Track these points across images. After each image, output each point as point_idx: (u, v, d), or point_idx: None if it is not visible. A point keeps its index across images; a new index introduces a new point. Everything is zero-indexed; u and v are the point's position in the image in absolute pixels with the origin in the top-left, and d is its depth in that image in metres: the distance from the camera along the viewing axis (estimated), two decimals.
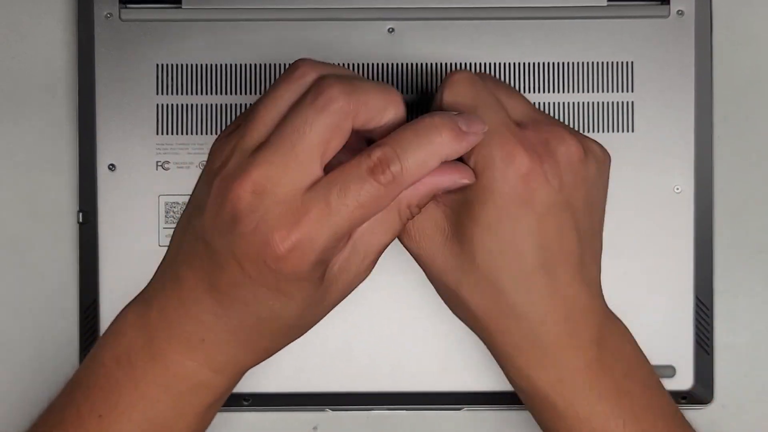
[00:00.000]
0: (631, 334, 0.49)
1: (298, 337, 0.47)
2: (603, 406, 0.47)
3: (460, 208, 0.46)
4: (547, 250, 0.46)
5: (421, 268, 0.49)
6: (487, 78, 0.48)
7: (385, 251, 0.52)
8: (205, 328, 0.44)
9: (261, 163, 0.41)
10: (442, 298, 0.49)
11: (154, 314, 0.45)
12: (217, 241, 0.42)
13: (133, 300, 0.47)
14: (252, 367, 0.47)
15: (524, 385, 0.48)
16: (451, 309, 0.49)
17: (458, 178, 0.44)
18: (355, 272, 0.45)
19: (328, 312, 0.47)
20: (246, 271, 0.42)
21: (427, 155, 0.42)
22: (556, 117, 0.55)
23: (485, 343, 0.48)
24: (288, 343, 0.47)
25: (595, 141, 0.48)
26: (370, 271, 0.46)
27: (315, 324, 0.47)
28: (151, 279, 0.47)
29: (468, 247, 0.46)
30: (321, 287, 0.44)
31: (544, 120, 0.47)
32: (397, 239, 0.47)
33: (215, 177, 0.43)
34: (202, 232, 0.43)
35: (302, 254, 0.41)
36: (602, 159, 0.48)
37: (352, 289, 0.46)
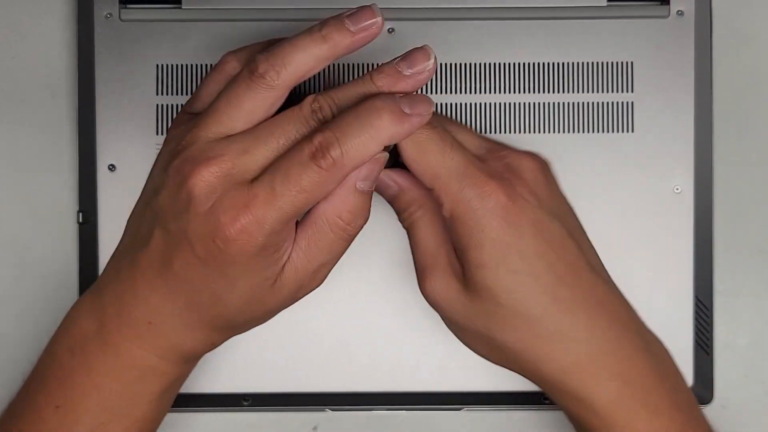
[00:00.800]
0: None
1: (241, 332, 0.47)
2: (661, 421, 0.46)
3: (459, 259, 0.46)
4: (557, 264, 0.46)
5: (448, 326, 0.49)
6: (436, 115, 0.46)
7: (385, 252, 0.52)
8: (152, 310, 0.45)
9: (224, 150, 0.42)
10: (472, 348, 0.49)
11: (107, 300, 0.46)
12: (171, 222, 0.43)
13: (87, 289, 0.48)
14: (197, 357, 0.48)
15: (581, 409, 0.47)
16: (486, 357, 0.49)
17: (373, 163, 0.44)
18: (290, 291, 0.45)
19: (272, 315, 0.47)
20: (196, 252, 0.43)
21: (367, 139, 0.42)
22: (556, 117, 0.55)
23: (530, 377, 0.48)
24: (227, 338, 0.48)
25: (528, 151, 0.48)
26: (311, 289, 0.46)
27: (257, 323, 0.47)
28: (105, 267, 0.47)
29: (486, 293, 0.46)
30: (266, 286, 0.44)
31: (495, 146, 0.48)
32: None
33: (173, 159, 0.43)
34: (159, 214, 0.44)
35: (249, 236, 0.42)
36: (548, 164, 0.48)
37: (298, 299, 0.46)
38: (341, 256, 0.46)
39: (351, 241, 0.45)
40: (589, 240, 0.49)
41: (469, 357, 0.55)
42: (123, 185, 0.55)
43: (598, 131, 0.56)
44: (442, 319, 0.49)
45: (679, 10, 0.56)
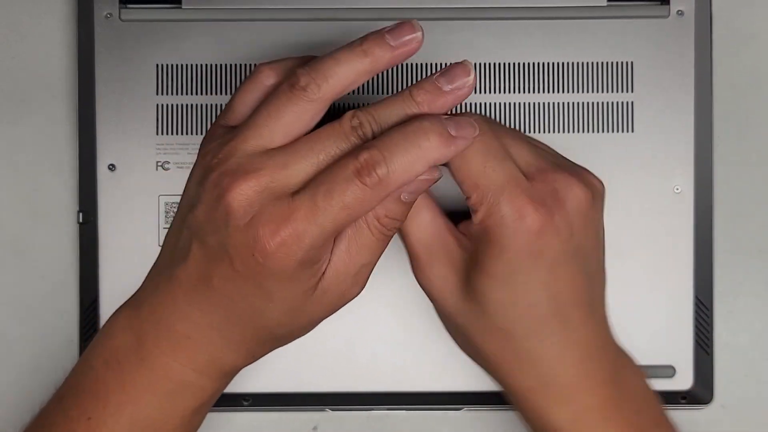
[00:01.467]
0: (640, 369, 0.50)
1: (284, 343, 0.48)
2: None
3: (473, 257, 0.47)
4: (560, 299, 0.47)
5: (433, 304, 0.50)
6: (492, 124, 0.48)
7: (385, 252, 0.52)
8: (191, 324, 0.45)
9: (263, 164, 0.42)
10: (451, 335, 0.51)
11: (145, 314, 0.46)
12: (210, 236, 0.43)
13: (124, 303, 0.47)
14: (235, 371, 0.48)
15: (539, 425, 0.49)
16: (459, 346, 0.50)
17: (417, 181, 0.44)
18: (337, 294, 0.46)
19: (314, 325, 0.47)
20: (235, 266, 0.43)
21: (414, 159, 0.42)
22: (556, 117, 0.55)
23: (497, 382, 0.49)
24: (270, 350, 0.48)
25: (591, 173, 0.49)
26: (355, 291, 0.46)
27: (300, 334, 0.47)
28: (143, 283, 0.47)
29: (480, 298, 0.47)
30: (306, 296, 0.44)
31: (549, 167, 0.47)
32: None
33: (211, 173, 0.43)
34: (196, 229, 0.44)
35: (288, 250, 0.42)
36: (602, 193, 0.49)
37: (340, 306, 0.46)
38: (380, 256, 0.46)
39: (389, 241, 0.46)
40: (603, 276, 0.50)
41: (468, 357, 0.55)
42: (123, 185, 0.55)
43: (598, 131, 0.56)
44: (433, 305, 0.50)
45: (679, 10, 0.56)
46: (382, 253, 0.46)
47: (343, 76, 0.43)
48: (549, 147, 0.51)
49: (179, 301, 0.45)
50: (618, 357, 0.49)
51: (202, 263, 0.44)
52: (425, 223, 0.49)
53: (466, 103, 0.55)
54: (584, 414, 0.48)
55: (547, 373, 0.47)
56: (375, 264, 0.46)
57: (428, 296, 0.50)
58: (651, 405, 0.50)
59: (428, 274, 0.49)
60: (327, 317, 0.47)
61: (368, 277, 0.46)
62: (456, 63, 0.44)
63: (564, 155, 0.54)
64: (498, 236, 0.45)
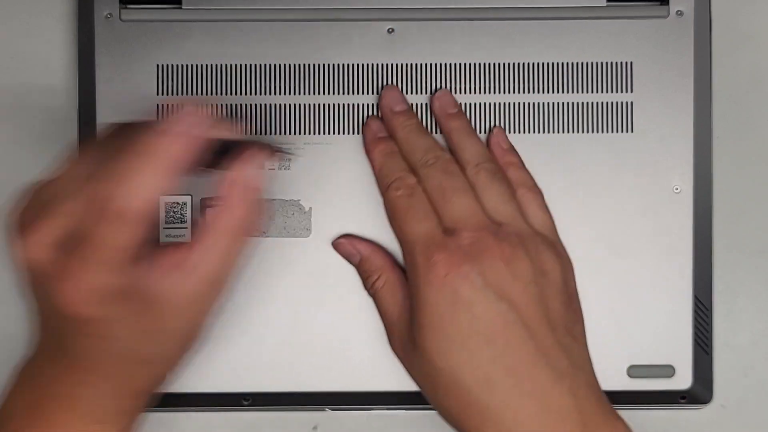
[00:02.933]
0: (628, 429, 0.49)
1: (173, 368, 0.49)
2: None
3: (410, 316, 0.50)
4: (495, 344, 0.48)
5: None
6: (430, 176, 0.52)
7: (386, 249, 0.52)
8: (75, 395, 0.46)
9: None
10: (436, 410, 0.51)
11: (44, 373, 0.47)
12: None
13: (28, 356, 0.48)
14: (146, 394, 0.48)
15: None
16: (441, 416, 0.50)
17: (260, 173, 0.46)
18: (211, 300, 0.46)
19: (189, 336, 0.48)
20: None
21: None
22: (556, 117, 0.55)
23: None
24: (167, 372, 0.49)
25: (553, 248, 0.52)
26: (225, 294, 0.47)
27: (183, 352, 0.48)
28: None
29: (425, 353, 0.49)
30: (138, 318, 0.45)
31: (473, 224, 0.50)
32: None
33: None
34: None
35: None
36: (547, 260, 0.50)
37: (203, 315, 0.47)
38: (242, 256, 0.47)
39: (251, 240, 0.48)
40: (569, 342, 0.50)
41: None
42: None
43: (597, 131, 0.56)
44: None
45: (678, 10, 0.56)
46: (243, 254, 0.47)
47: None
48: (539, 201, 0.53)
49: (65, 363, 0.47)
50: (593, 418, 0.48)
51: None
52: (395, 298, 0.52)
53: (459, 104, 0.55)
54: None
55: (509, 428, 0.47)
56: (238, 265, 0.47)
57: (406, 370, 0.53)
58: None
59: (395, 346, 0.53)
60: (195, 327, 0.48)
61: (230, 280, 0.47)
62: None
63: (563, 155, 0.54)
64: (416, 285, 0.49)
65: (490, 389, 0.47)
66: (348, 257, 0.54)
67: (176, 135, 0.43)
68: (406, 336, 0.51)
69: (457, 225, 0.50)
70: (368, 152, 0.54)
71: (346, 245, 0.54)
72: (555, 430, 0.47)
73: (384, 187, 0.53)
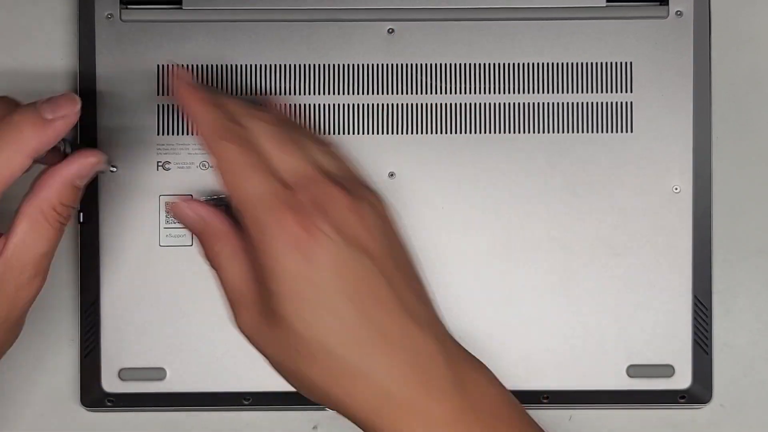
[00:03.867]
0: (487, 370, 0.48)
1: None
2: None
3: (262, 290, 0.46)
4: (359, 300, 0.46)
5: (270, 364, 0.48)
6: (256, 128, 0.48)
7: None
8: None
9: None
10: (297, 389, 0.48)
11: None
12: None
13: None
14: None
15: None
16: (307, 396, 0.48)
17: (85, 163, 0.47)
18: (16, 286, 0.47)
19: (12, 324, 0.48)
20: None
21: (12, 153, 0.45)
22: (555, 117, 0.55)
23: (343, 414, 0.47)
24: None
25: (367, 187, 0.49)
26: (37, 284, 0.48)
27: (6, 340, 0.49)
28: None
29: (287, 324, 0.45)
30: None
31: (309, 174, 0.47)
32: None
33: None
34: None
35: None
36: (376, 203, 0.48)
37: (23, 303, 0.48)
38: (57, 245, 0.48)
39: (64, 229, 0.48)
40: (421, 288, 0.49)
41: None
42: (123, 185, 0.55)
43: (596, 131, 0.56)
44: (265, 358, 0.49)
45: (678, 11, 0.56)
46: (58, 243, 0.48)
47: None
48: (332, 150, 0.51)
49: None
50: (462, 361, 0.48)
51: None
52: (239, 267, 0.48)
53: (459, 104, 0.55)
54: (439, 427, 0.45)
55: (383, 386, 0.45)
56: (53, 254, 0.48)
57: (254, 347, 0.48)
58: (509, 407, 0.48)
59: (243, 321, 0.48)
60: (17, 317, 0.48)
61: (48, 268, 0.48)
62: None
63: (563, 155, 0.54)
64: (267, 251, 0.45)
65: (359, 349, 0.45)
66: (185, 221, 0.50)
67: (42, 121, 0.45)
68: (258, 308, 0.47)
69: (294, 178, 0.47)
70: (183, 101, 0.49)
71: (184, 209, 0.50)
72: (427, 378, 0.46)
73: (210, 140, 0.47)
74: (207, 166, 0.55)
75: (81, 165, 0.47)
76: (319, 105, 0.55)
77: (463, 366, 0.47)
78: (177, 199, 0.50)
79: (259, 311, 0.47)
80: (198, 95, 0.48)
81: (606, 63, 0.56)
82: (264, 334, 0.47)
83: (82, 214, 0.55)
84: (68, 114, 0.46)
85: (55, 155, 0.48)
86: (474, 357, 0.49)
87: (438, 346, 0.47)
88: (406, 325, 0.46)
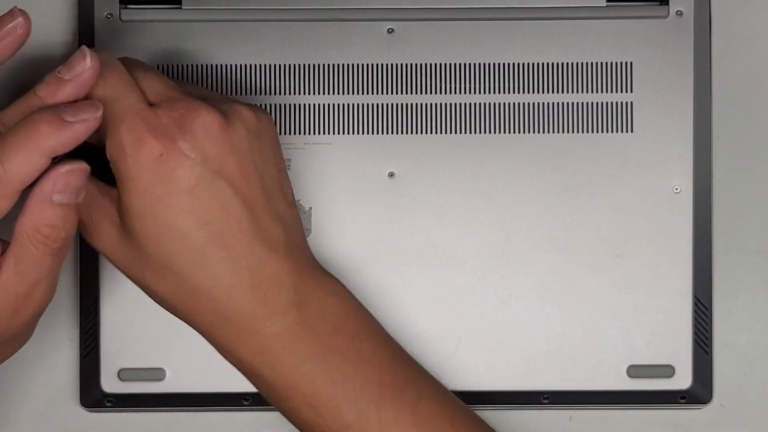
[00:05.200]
0: (343, 289, 0.50)
1: None
2: (308, 367, 0.47)
3: (122, 208, 0.47)
4: (212, 224, 0.46)
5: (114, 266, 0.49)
6: (124, 60, 0.48)
7: (383, 250, 0.52)
8: None
9: None
10: (149, 296, 0.49)
11: None
12: None
13: None
14: None
15: (233, 362, 0.49)
16: (159, 304, 0.49)
17: (58, 175, 0.44)
18: (12, 309, 0.45)
19: (13, 340, 0.47)
20: None
21: (28, 152, 0.43)
22: (556, 117, 0.55)
23: (189, 325, 0.49)
24: None
25: (247, 105, 0.48)
26: (40, 303, 0.46)
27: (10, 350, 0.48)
28: None
29: (138, 240, 0.46)
30: None
31: (178, 96, 0.47)
32: None
33: None
34: None
35: None
36: (252, 121, 0.48)
37: (19, 323, 0.46)
38: (56, 272, 0.46)
39: (61, 255, 0.45)
40: (283, 208, 0.49)
41: (469, 357, 0.55)
42: None
43: (597, 131, 0.56)
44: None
45: (678, 11, 0.56)
46: (56, 269, 0.45)
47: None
48: (202, 88, 0.51)
49: None
50: (308, 279, 0.48)
51: None
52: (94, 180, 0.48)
53: (459, 104, 0.55)
54: (269, 343, 0.47)
55: (223, 305, 0.47)
56: (51, 281, 0.46)
57: (107, 259, 0.49)
58: (350, 322, 0.49)
59: (95, 239, 0.48)
60: (21, 332, 0.47)
61: (46, 295, 0.46)
62: (75, 52, 0.45)
63: (563, 155, 0.53)
64: (123, 168, 0.45)
65: (203, 269, 0.46)
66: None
67: (60, 121, 0.43)
68: (112, 222, 0.47)
69: (158, 98, 0.47)
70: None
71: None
72: (268, 298, 0.47)
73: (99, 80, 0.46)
74: None
75: (54, 179, 0.44)
76: (319, 105, 0.55)
77: (309, 283, 0.48)
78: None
79: (117, 227, 0.47)
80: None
81: (606, 63, 0.56)
82: (117, 247, 0.47)
83: None
84: (89, 118, 0.44)
85: None
86: (332, 279, 0.50)
87: (282, 265, 0.48)
88: (257, 251, 0.47)
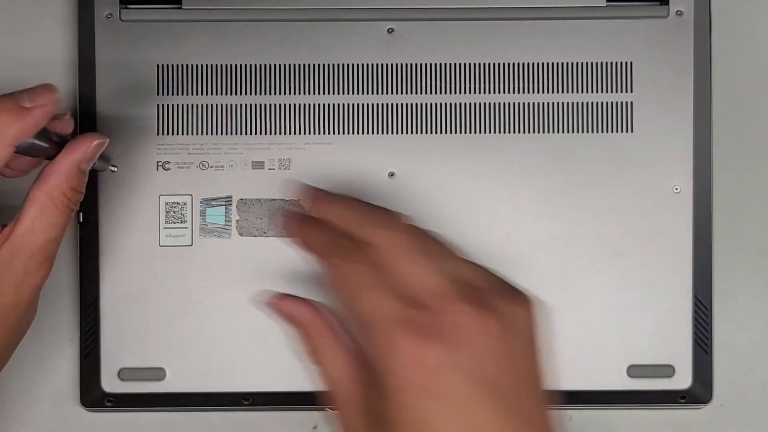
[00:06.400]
0: None
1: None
2: None
3: (371, 394, 0.43)
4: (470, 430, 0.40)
5: None
6: (380, 238, 0.43)
7: None
8: None
9: None
10: None
11: None
12: None
13: None
14: None
15: None
16: None
17: (89, 145, 0.48)
18: (23, 271, 0.47)
19: (13, 312, 0.48)
20: None
21: None
22: (556, 117, 0.55)
23: None
24: None
25: (515, 295, 0.43)
26: (45, 269, 0.48)
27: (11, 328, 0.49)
28: None
29: None
30: None
31: (448, 293, 0.41)
32: None
33: None
34: None
35: None
36: (521, 318, 0.42)
37: (32, 289, 0.48)
38: (64, 232, 0.48)
39: (71, 217, 0.49)
40: (540, 414, 0.42)
41: None
42: (123, 185, 0.55)
43: (597, 131, 0.56)
44: None
45: (678, 11, 0.56)
46: (65, 229, 0.48)
47: None
48: (475, 265, 0.44)
49: None
50: None
51: None
52: (341, 367, 0.45)
53: (459, 104, 0.55)
54: None
55: None
56: (60, 241, 0.48)
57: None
58: None
59: (345, 422, 0.45)
60: (20, 303, 0.48)
61: (55, 255, 0.49)
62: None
63: (563, 155, 0.53)
64: (380, 370, 0.41)
65: None
66: (283, 318, 0.47)
67: (20, 109, 0.45)
68: (363, 410, 0.44)
69: (415, 292, 0.41)
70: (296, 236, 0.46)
71: (283, 307, 0.47)
72: None
73: (322, 258, 0.44)
74: (207, 166, 0.55)
75: (86, 148, 0.48)
76: (319, 105, 0.55)
77: None
78: (269, 296, 0.47)
79: (364, 413, 0.44)
80: (305, 224, 0.46)
81: (606, 63, 0.56)
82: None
83: (81, 214, 0.55)
84: (46, 102, 0.46)
85: (52, 148, 0.49)
86: None
87: None
88: None
